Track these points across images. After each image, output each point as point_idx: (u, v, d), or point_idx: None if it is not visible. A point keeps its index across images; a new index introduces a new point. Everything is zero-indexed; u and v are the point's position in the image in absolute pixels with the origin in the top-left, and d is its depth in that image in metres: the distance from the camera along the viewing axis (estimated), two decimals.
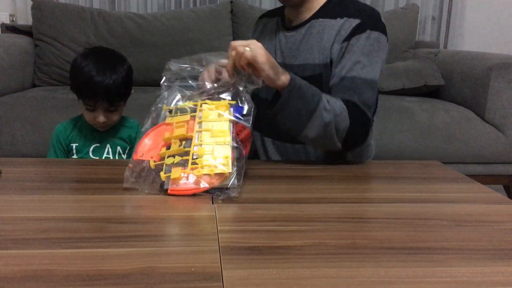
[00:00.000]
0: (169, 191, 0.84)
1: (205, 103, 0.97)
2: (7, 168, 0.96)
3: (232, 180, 0.85)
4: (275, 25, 1.31)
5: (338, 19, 1.15)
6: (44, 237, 0.66)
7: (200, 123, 0.93)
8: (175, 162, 0.86)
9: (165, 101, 1.00)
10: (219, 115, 0.94)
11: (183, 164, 0.86)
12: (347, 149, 1.12)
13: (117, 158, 1.29)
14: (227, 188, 0.84)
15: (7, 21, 2.53)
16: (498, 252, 0.67)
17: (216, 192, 0.84)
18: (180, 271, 0.58)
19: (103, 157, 1.28)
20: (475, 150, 1.92)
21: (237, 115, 0.96)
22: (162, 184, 0.85)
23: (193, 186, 0.84)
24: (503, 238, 0.71)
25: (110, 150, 1.29)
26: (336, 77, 1.11)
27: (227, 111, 0.95)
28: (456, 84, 2.13)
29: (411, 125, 1.90)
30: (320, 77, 1.14)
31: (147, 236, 0.67)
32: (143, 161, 0.88)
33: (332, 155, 1.19)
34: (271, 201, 0.85)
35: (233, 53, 0.98)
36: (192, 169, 0.85)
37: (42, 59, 2.22)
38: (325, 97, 1.04)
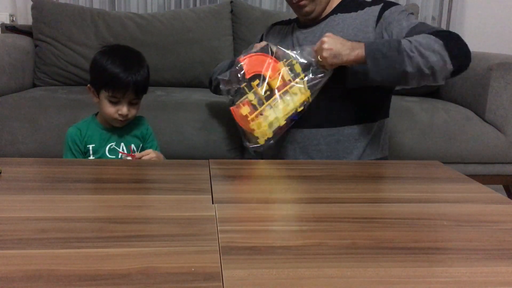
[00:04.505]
0: (231, 109, 1.19)
1: (302, 79, 1.19)
2: (7, 168, 0.96)
3: (260, 144, 1.19)
4: (290, 28, 1.43)
5: (359, 11, 1.30)
6: (44, 237, 0.66)
7: (285, 92, 1.17)
8: (252, 101, 1.16)
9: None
10: (298, 102, 1.18)
11: (254, 108, 1.16)
12: (461, 63, 1.16)
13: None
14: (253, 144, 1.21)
15: (7, 21, 2.52)
16: (498, 252, 0.67)
17: (245, 143, 1.23)
18: (180, 271, 0.58)
19: (119, 156, 1.30)
20: (475, 150, 1.92)
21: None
22: (233, 101, 1.21)
23: (240, 121, 1.20)
24: (503, 238, 0.71)
25: (124, 148, 1.31)
26: (405, 33, 1.21)
27: (305, 100, 1.20)
28: (456, 84, 2.13)
29: (411, 125, 1.90)
30: None
31: (147, 236, 0.67)
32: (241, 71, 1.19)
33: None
34: (271, 201, 0.85)
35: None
36: (252, 119, 1.16)
37: (42, 59, 2.21)
38: (406, 39, 1.14)
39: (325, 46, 1.15)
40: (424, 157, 1.88)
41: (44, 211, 0.75)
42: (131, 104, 1.28)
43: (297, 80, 1.19)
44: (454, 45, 1.14)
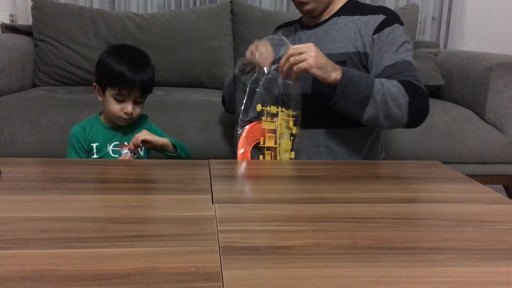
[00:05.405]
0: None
1: (282, 111, 1.22)
2: (7, 168, 0.96)
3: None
4: (293, 29, 1.44)
5: (361, 16, 1.30)
6: (44, 237, 0.66)
7: (281, 133, 1.21)
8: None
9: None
10: (288, 128, 1.23)
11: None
12: (414, 122, 1.21)
13: (134, 154, 1.31)
14: None
15: (7, 21, 2.52)
16: (498, 252, 0.67)
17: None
18: (180, 271, 0.58)
19: (123, 154, 1.30)
20: (475, 150, 1.92)
21: None
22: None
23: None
24: (503, 238, 0.71)
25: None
26: (381, 67, 1.24)
27: (291, 123, 1.23)
28: (456, 84, 2.13)
29: None
30: (344, 64, 1.26)
31: (147, 236, 0.67)
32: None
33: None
34: (271, 201, 0.85)
35: (288, 61, 1.14)
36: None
37: (42, 59, 2.21)
38: (379, 81, 1.17)
39: (312, 53, 1.13)
40: (424, 157, 1.88)
41: (44, 211, 0.75)
42: (136, 103, 1.29)
43: (280, 117, 1.22)
44: (417, 106, 1.18)
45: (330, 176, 1.02)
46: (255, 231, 0.71)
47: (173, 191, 0.88)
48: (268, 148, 1.20)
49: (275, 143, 1.21)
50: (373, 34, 1.27)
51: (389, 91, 1.16)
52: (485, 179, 1.93)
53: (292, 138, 1.23)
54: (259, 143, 1.22)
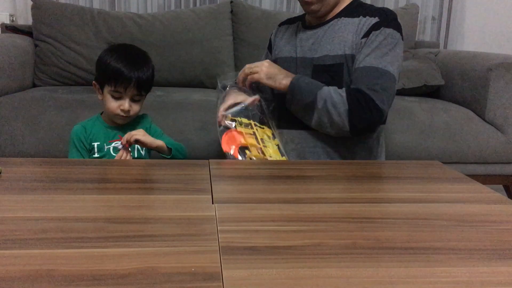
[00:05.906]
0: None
1: (256, 125, 1.28)
2: (7, 168, 0.96)
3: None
4: (295, 27, 1.46)
5: (361, 17, 1.30)
6: (44, 237, 0.66)
7: (262, 139, 1.24)
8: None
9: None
10: (269, 136, 1.29)
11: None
12: (357, 131, 1.23)
13: (136, 154, 1.32)
14: None
15: (7, 21, 2.53)
16: (498, 252, 0.67)
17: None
18: (180, 271, 0.58)
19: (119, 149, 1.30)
20: (475, 150, 1.92)
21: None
22: None
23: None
24: (503, 238, 0.71)
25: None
26: (353, 70, 1.26)
27: (271, 135, 1.30)
28: (456, 84, 2.13)
29: (411, 125, 1.90)
30: (341, 66, 1.28)
31: (147, 236, 0.67)
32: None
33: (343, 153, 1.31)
34: (271, 201, 0.85)
35: (244, 72, 1.35)
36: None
37: (42, 59, 2.21)
38: (327, 89, 1.22)
39: (264, 68, 1.29)
40: (424, 157, 1.88)
41: (44, 211, 0.75)
42: (133, 100, 1.29)
43: (254, 128, 1.26)
44: (358, 115, 1.19)
45: (330, 176, 1.02)
46: (255, 231, 0.71)
47: (173, 191, 0.88)
48: (252, 145, 1.22)
49: (258, 143, 1.21)
50: (362, 38, 1.26)
51: (332, 99, 1.20)
52: (485, 179, 1.93)
53: (277, 146, 1.25)
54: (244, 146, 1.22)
